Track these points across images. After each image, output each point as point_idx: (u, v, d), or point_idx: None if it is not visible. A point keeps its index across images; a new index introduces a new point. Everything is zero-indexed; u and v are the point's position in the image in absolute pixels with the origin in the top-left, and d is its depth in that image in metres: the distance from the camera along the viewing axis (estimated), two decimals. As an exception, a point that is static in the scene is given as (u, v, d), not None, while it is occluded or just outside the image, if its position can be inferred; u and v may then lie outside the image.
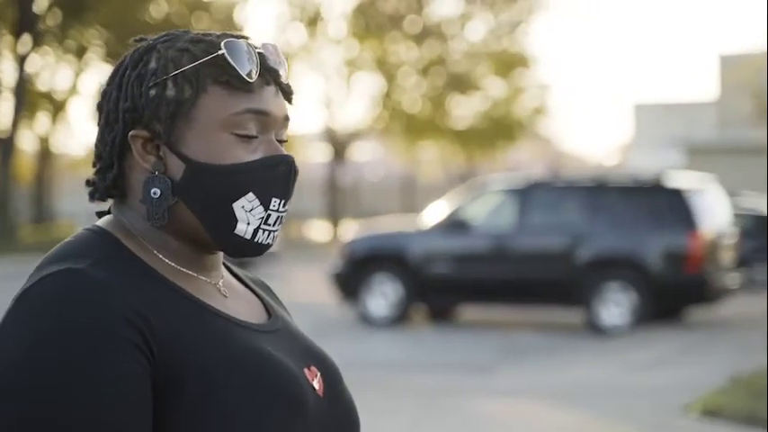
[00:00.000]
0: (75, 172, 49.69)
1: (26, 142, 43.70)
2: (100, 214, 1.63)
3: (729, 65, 47.84)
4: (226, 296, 1.61)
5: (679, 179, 15.77)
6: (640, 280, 14.90)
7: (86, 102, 61.87)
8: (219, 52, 1.55)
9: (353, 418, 1.66)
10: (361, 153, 58.02)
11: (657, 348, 13.50)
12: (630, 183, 15.58)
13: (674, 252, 14.86)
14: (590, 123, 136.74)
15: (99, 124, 1.61)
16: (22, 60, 34.63)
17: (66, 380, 1.41)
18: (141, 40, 1.62)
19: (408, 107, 43.28)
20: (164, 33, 1.61)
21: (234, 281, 1.69)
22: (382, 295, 15.59)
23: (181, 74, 1.55)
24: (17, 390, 1.42)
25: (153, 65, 1.56)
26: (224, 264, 1.69)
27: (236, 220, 1.55)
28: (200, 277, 1.60)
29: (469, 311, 16.58)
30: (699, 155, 42.49)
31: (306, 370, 1.60)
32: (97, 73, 41.56)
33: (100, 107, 1.61)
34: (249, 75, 1.55)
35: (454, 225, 15.76)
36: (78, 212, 44.14)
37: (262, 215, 1.56)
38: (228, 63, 1.54)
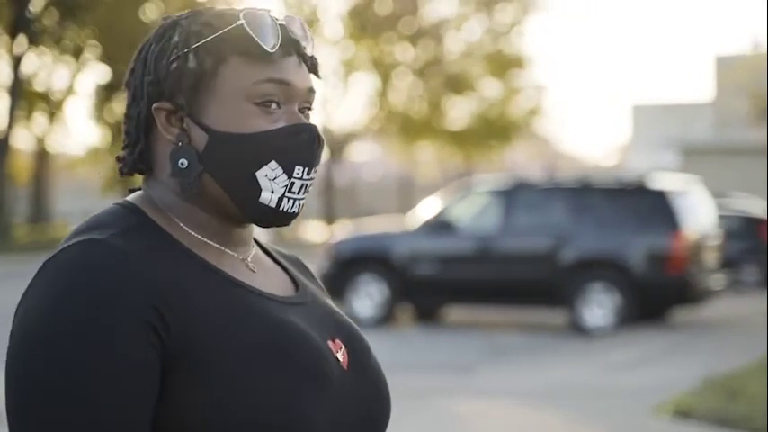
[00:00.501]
0: (73, 172, 49.79)
1: (23, 142, 43.76)
2: (132, 191, 1.66)
3: (725, 66, 47.88)
4: (254, 271, 1.63)
5: (663, 181, 15.84)
6: (624, 281, 14.97)
7: (83, 102, 61.94)
8: (239, 23, 1.57)
9: (381, 391, 1.67)
10: (358, 153, 58.10)
11: (639, 349, 13.57)
12: (614, 184, 15.65)
13: (657, 253, 14.93)
14: (589, 124, 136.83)
15: (127, 101, 1.64)
16: (17, 60, 34.70)
17: (73, 345, 1.44)
18: (167, 17, 1.65)
19: (404, 108, 43.34)
20: (189, 10, 1.64)
21: (264, 256, 1.71)
22: (368, 296, 15.67)
23: (202, 46, 1.57)
24: (31, 350, 1.46)
25: (176, 38, 1.59)
26: (256, 240, 1.70)
27: (261, 189, 1.56)
28: (228, 251, 1.61)
29: (455, 312, 16.66)
30: (695, 156, 42.53)
31: (330, 342, 1.61)
32: (93, 73, 41.68)
33: (127, 84, 1.64)
34: (269, 45, 1.56)
35: (439, 226, 15.84)
36: (75, 212, 44.23)
37: (286, 183, 1.57)
38: (248, 34, 1.56)
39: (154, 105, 1.59)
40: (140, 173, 1.64)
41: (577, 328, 15.08)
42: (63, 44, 38.77)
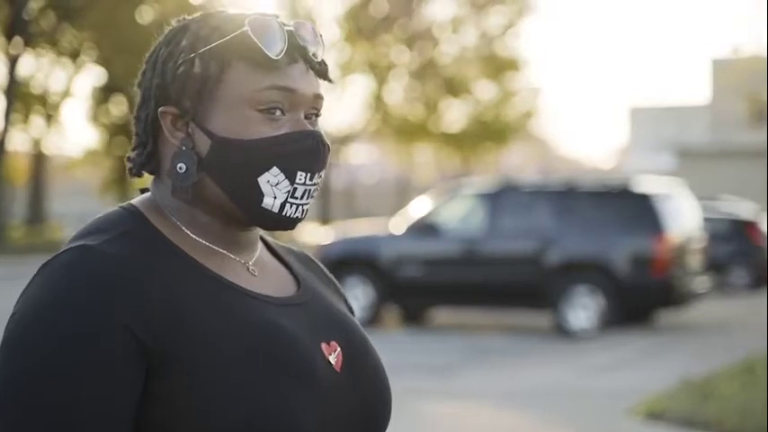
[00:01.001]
0: (70, 174, 49.87)
1: (20, 144, 43.85)
2: (142, 191, 1.67)
3: (721, 68, 47.93)
4: (254, 275, 1.63)
5: (647, 184, 15.93)
6: (608, 284, 15.06)
7: (80, 104, 62.00)
8: (243, 29, 1.57)
9: (378, 392, 1.65)
10: (356, 156, 58.16)
11: (620, 351, 13.65)
12: (599, 187, 15.74)
13: (641, 256, 15.01)
14: (588, 127, 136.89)
15: (137, 102, 1.65)
16: (13, 62, 34.79)
17: (50, 352, 1.45)
18: (181, 20, 1.65)
19: (400, 110, 43.42)
20: (200, 13, 1.65)
21: (268, 257, 1.70)
22: (354, 298, 15.73)
23: (207, 51, 1.58)
24: (10, 353, 1.48)
25: (184, 43, 1.60)
26: (263, 238, 1.71)
27: (263, 194, 1.57)
28: (229, 254, 1.61)
29: (442, 314, 16.73)
30: (690, 158, 42.59)
31: (324, 344, 1.60)
32: (90, 75, 41.77)
33: (139, 85, 1.65)
34: (274, 51, 1.55)
35: (425, 228, 15.92)
36: (72, 214, 44.30)
37: (288, 189, 1.57)
38: (253, 40, 1.56)
39: (160, 109, 1.60)
40: (149, 173, 1.65)
41: (562, 331, 15.17)
42: (60, 46, 38.86)
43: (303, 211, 1.60)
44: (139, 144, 1.64)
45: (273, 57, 1.55)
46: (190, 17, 1.65)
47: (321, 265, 1.80)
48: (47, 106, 41.35)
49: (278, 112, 1.57)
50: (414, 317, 16.30)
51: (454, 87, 42.46)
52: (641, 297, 15.18)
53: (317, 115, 1.62)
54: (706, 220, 22.02)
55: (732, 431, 8.50)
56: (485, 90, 45.05)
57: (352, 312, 1.78)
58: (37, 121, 42.01)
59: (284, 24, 1.59)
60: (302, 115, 1.59)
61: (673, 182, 17.75)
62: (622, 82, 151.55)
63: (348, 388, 1.60)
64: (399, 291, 15.75)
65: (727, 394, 9.60)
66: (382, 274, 15.76)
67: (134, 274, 1.50)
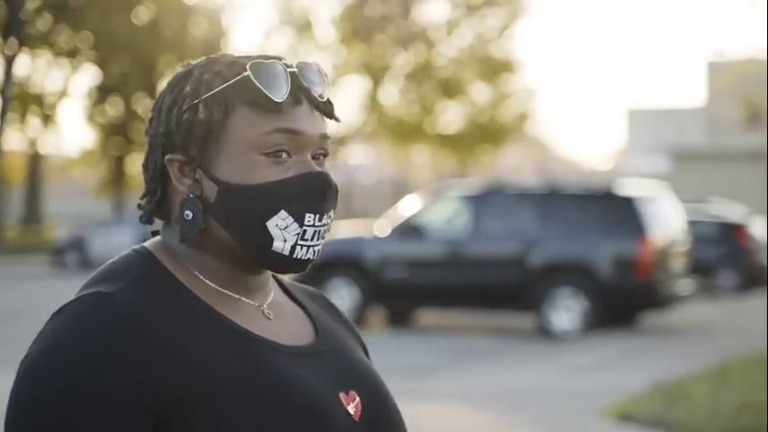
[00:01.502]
0: (66, 174, 49.94)
1: (17, 144, 43.93)
2: (154, 233, 1.66)
3: (717, 71, 48.00)
4: (269, 318, 1.61)
5: (631, 187, 16.02)
6: (591, 286, 15.15)
7: (77, 104, 61.97)
8: (245, 74, 1.56)
9: None
10: (353, 157, 58.24)
11: (601, 353, 13.74)
12: (582, 190, 15.84)
13: (623, 258, 15.11)
14: (587, 128, 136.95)
15: (146, 150, 1.64)
16: (9, 62, 34.89)
17: (61, 403, 1.45)
18: (186, 64, 1.64)
19: (396, 111, 43.50)
20: (204, 57, 1.64)
21: (284, 300, 1.69)
22: (340, 299, 15.82)
23: (211, 96, 1.56)
24: (22, 402, 1.48)
25: (187, 89, 1.59)
26: (278, 279, 1.70)
27: (272, 239, 1.55)
28: (243, 299, 1.60)
29: (427, 316, 16.82)
30: (686, 160, 42.66)
31: (342, 394, 1.59)
32: (87, 76, 41.86)
33: (146, 133, 1.64)
34: (278, 95, 1.55)
35: (410, 231, 16.02)
36: (68, 214, 44.39)
37: (297, 231, 1.56)
38: (255, 84, 1.55)
39: (167, 157, 1.59)
40: (160, 219, 1.64)
41: (545, 332, 15.27)
42: (56, 47, 38.96)
43: (314, 252, 1.58)
44: (149, 191, 1.63)
45: (277, 100, 1.55)
46: (194, 62, 1.64)
47: (336, 306, 1.80)
48: (43, 106, 41.45)
49: (284, 155, 1.56)
50: (399, 318, 16.39)
51: (450, 89, 42.54)
52: (624, 299, 15.28)
53: (325, 155, 1.61)
54: (694, 222, 22.14)
55: (699, 433, 8.59)
56: (480, 92, 45.12)
57: (367, 353, 1.78)
58: (33, 121, 42.10)
59: (287, 66, 1.58)
60: (309, 156, 1.58)
61: (657, 184, 17.84)
62: (621, 84, 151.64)
63: None
64: (384, 292, 15.85)
65: (697, 397, 9.69)
66: (367, 276, 15.85)
67: (147, 322, 1.49)
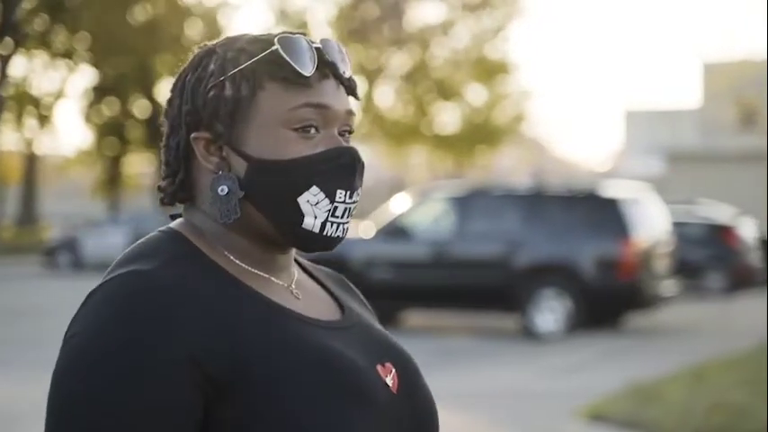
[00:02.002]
0: (63, 174, 50.03)
1: (13, 144, 44.02)
2: (173, 218, 1.65)
3: (712, 72, 48.06)
4: (298, 298, 1.61)
5: (615, 188, 16.10)
6: (575, 287, 15.23)
7: (74, 104, 61.98)
8: (274, 48, 1.55)
9: (431, 414, 1.64)
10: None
11: (584, 353, 13.81)
12: (566, 192, 15.92)
13: (607, 259, 15.18)
14: (585, 130, 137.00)
15: (165, 131, 1.62)
16: (4, 63, 34.96)
17: (113, 379, 1.43)
18: (203, 45, 1.63)
19: (391, 112, 43.56)
20: (223, 37, 1.62)
21: (306, 279, 1.69)
22: (325, 300, 15.91)
23: (238, 73, 1.55)
24: (71, 382, 1.46)
25: (212, 67, 1.57)
26: (297, 260, 1.69)
27: (303, 215, 1.55)
28: (272, 278, 1.60)
29: (414, 317, 16.89)
30: (680, 162, 42.71)
31: (379, 366, 1.59)
32: (83, 76, 41.93)
33: (166, 114, 1.62)
34: (306, 69, 1.54)
35: (396, 232, 16.09)
36: (64, 214, 44.46)
37: (328, 208, 1.55)
38: (283, 58, 1.54)
39: (192, 135, 1.57)
40: (181, 202, 1.63)
41: (529, 333, 15.34)
42: (52, 47, 39.03)
43: (344, 229, 1.58)
44: (170, 173, 1.61)
45: (306, 74, 1.54)
46: (213, 42, 1.63)
47: (353, 286, 1.81)
48: (39, 107, 41.54)
49: (312, 130, 1.55)
50: (385, 319, 16.44)
51: (445, 90, 42.61)
52: (608, 300, 15.35)
53: (350, 132, 1.60)
54: (683, 224, 22.24)
55: (669, 433, 8.66)
56: (476, 93, 45.19)
57: None
58: (30, 121, 42.19)
59: (312, 42, 1.58)
60: (336, 132, 1.58)
61: (642, 186, 17.92)
62: (619, 85, 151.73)
63: (406, 410, 1.59)
64: (370, 293, 15.85)
65: (671, 397, 9.76)
66: (353, 277, 15.86)
67: (192, 298, 1.48)
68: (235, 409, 1.46)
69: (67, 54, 39.67)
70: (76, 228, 30.82)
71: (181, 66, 1.64)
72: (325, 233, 1.56)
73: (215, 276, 1.53)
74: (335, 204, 1.56)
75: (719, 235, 22.80)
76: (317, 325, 1.57)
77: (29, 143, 42.93)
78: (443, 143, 45.23)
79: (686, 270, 20.98)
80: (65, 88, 41.76)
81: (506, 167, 61.91)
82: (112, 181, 43.83)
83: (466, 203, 16.02)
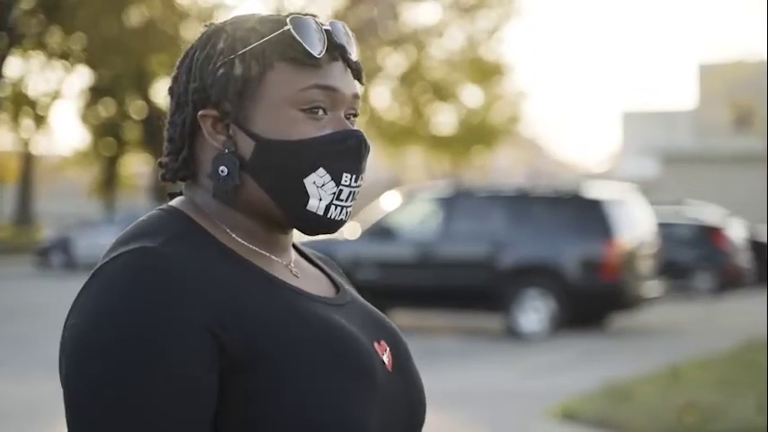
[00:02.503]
0: (59, 174, 50.11)
1: (9, 144, 44.09)
2: (171, 195, 1.65)
3: (708, 74, 48.10)
4: (297, 276, 1.62)
5: (599, 190, 16.16)
6: (558, 287, 15.30)
7: (70, 105, 62.00)
8: (285, 28, 1.55)
9: (420, 394, 1.66)
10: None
11: (565, 354, 13.87)
12: (551, 193, 15.99)
13: (590, 260, 15.26)
14: (584, 130, 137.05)
15: (170, 108, 1.62)
16: (0, 63, 35.02)
17: (132, 358, 1.42)
18: (210, 24, 1.63)
19: (388, 113, 43.62)
20: (233, 16, 1.62)
21: (302, 260, 1.70)
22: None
23: (248, 52, 1.55)
24: (87, 365, 1.44)
25: (221, 45, 1.57)
26: (293, 244, 1.69)
27: (308, 196, 1.55)
28: (272, 257, 1.60)
29: (400, 317, 16.94)
30: (675, 163, 42.78)
31: (376, 343, 1.60)
32: (79, 76, 41.97)
33: (171, 91, 1.62)
34: (316, 50, 1.54)
35: (381, 232, 16.16)
36: (60, 214, 44.54)
37: (334, 190, 1.56)
38: (295, 39, 1.54)
39: (200, 112, 1.57)
40: (182, 179, 1.63)
41: (513, 333, 15.41)
42: (48, 47, 39.08)
43: (347, 213, 1.59)
44: (174, 149, 1.61)
45: (316, 55, 1.54)
46: (222, 21, 1.62)
47: (339, 267, 1.81)
48: (36, 107, 41.60)
49: (320, 112, 1.55)
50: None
51: (441, 91, 42.67)
52: (591, 301, 15.43)
53: (355, 115, 1.60)
54: (672, 225, 22.32)
55: (638, 431, 8.73)
56: (471, 94, 45.26)
57: None
58: (26, 121, 42.25)
59: (321, 24, 1.58)
60: (343, 115, 1.58)
61: (626, 187, 17.99)
62: (617, 86, 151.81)
63: (400, 388, 1.61)
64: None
65: (643, 397, 9.83)
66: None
67: (200, 273, 1.48)
68: (244, 381, 1.46)
69: (64, 55, 39.71)
70: (69, 228, 30.89)
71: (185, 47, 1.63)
72: (329, 216, 1.57)
73: (218, 253, 1.54)
74: (341, 187, 1.56)
75: (708, 236, 22.89)
76: (318, 300, 1.59)
77: (25, 143, 42.99)
78: (440, 144, 45.30)
79: (675, 271, 21.07)
80: (61, 89, 41.82)
81: (503, 168, 61.98)
82: (109, 181, 43.91)
83: (451, 204, 16.09)
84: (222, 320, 1.46)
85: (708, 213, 25.04)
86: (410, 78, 42.46)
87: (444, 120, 45.64)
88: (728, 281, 22.53)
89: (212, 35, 1.60)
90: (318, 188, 1.55)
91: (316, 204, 1.55)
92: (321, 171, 1.54)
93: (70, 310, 1.51)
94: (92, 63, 39.70)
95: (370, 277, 15.85)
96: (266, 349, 1.47)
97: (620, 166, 67.24)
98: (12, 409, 9.69)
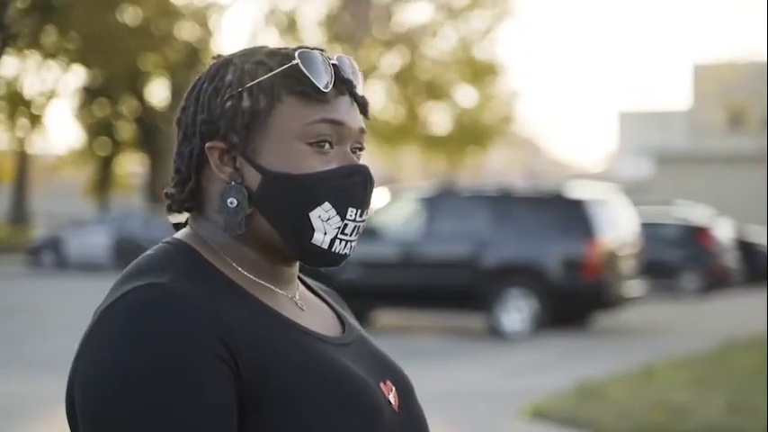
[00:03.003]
0: (55, 174, 50.16)
1: (5, 143, 44.13)
2: (177, 227, 1.65)
3: (702, 74, 48.15)
4: (302, 309, 1.62)
5: (581, 190, 16.23)
6: (540, 287, 15.37)
7: (66, 104, 62.00)
8: (293, 62, 1.56)
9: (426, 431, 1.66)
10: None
11: (545, 353, 13.94)
12: (534, 193, 16.07)
13: (572, 260, 15.33)
14: (581, 131, 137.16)
15: (177, 139, 1.62)
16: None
17: (152, 395, 1.42)
18: (218, 56, 1.64)
19: (382, 114, 43.67)
20: (241, 49, 1.63)
21: (308, 293, 1.71)
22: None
23: (256, 85, 1.56)
24: (117, 402, 1.43)
25: (229, 77, 1.58)
26: (298, 276, 1.69)
27: (313, 230, 1.55)
28: (278, 290, 1.60)
29: (383, 316, 17.01)
30: (669, 164, 42.82)
31: (382, 384, 1.60)
32: (75, 76, 42.02)
33: (179, 122, 1.62)
34: (323, 85, 1.55)
35: (365, 232, 16.20)
36: (58, 214, 44.59)
37: (338, 225, 1.56)
38: (303, 73, 1.55)
39: (207, 144, 1.57)
40: (188, 210, 1.62)
41: (495, 333, 15.48)
42: (43, 47, 39.12)
43: (351, 247, 1.59)
44: (181, 180, 1.61)
45: (323, 89, 1.55)
46: (230, 54, 1.64)
47: (343, 300, 1.83)
48: (31, 106, 41.64)
49: (327, 146, 1.56)
50: (357, 319, 16.57)
51: (434, 91, 42.72)
52: (573, 300, 15.50)
53: (361, 149, 1.61)
54: (659, 225, 22.40)
55: (606, 431, 8.78)
56: (465, 94, 45.30)
57: None
58: (21, 121, 42.29)
59: (329, 58, 1.59)
60: (349, 149, 1.59)
61: (609, 187, 18.07)
62: (615, 86, 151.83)
63: (404, 428, 1.60)
64: (339, 293, 16.00)
65: (615, 396, 9.90)
66: (323, 278, 15.99)
67: (209, 307, 1.48)
68: (257, 415, 1.46)
69: (58, 54, 39.76)
70: (61, 227, 30.94)
71: (196, 75, 1.64)
72: (333, 249, 1.57)
73: (227, 290, 1.54)
74: (346, 222, 1.56)
75: (695, 236, 22.96)
76: (325, 341, 1.59)
77: (21, 142, 43.03)
78: (434, 144, 45.33)
79: (661, 270, 21.15)
80: (57, 88, 41.87)
81: (499, 168, 62.05)
82: (104, 181, 43.98)
83: (435, 204, 16.17)
84: (236, 353, 1.46)
85: (695, 213, 25.10)
86: (404, 78, 42.49)
87: (439, 120, 45.69)
88: (715, 281, 22.61)
89: (221, 67, 1.61)
90: (323, 222, 1.55)
91: (321, 238, 1.56)
92: (327, 205, 1.55)
93: (81, 345, 1.50)
94: (86, 62, 39.76)
95: (353, 277, 15.91)
96: (278, 384, 1.48)
97: (616, 167, 67.32)
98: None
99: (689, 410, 9.23)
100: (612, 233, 15.66)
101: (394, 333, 15.85)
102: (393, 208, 16.73)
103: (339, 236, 1.56)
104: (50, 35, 39.03)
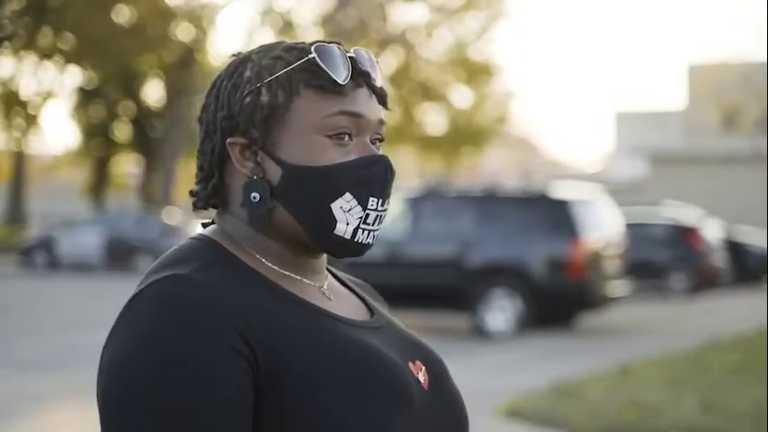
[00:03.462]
0: (52, 174, 50.24)
1: (1, 143, 44.19)
2: (204, 225, 1.68)
3: (698, 74, 48.20)
4: (330, 299, 1.65)
5: (566, 190, 16.30)
6: (524, 287, 15.45)
7: (62, 104, 62.03)
8: (310, 56, 1.59)
9: (460, 411, 1.68)
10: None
11: (526, 353, 14.01)
12: (518, 193, 16.14)
13: (556, 260, 15.40)
14: (578, 131, 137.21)
15: (200, 136, 1.66)
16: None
17: (165, 387, 1.44)
18: (238, 54, 1.67)
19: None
20: (258, 45, 1.66)
21: (337, 284, 1.73)
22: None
23: (274, 80, 1.59)
24: (129, 390, 1.46)
25: (248, 74, 1.61)
26: (327, 268, 1.72)
27: (335, 221, 1.57)
28: (305, 280, 1.63)
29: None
30: (664, 164, 42.88)
31: (411, 364, 1.62)
32: (71, 76, 42.10)
33: (200, 120, 1.66)
34: (341, 77, 1.58)
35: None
36: (54, 214, 44.66)
37: (360, 215, 1.58)
38: (320, 66, 1.58)
39: (228, 140, 1.60)
40: (214, 207, 1.66)
41: (480, 332, 15.55)
42: (39, 48, 39.17)
43: (374, 237, 1.61)
44: (204, 177, 1.65)
45: (341, 82, 1.57)
46: (248, 51, 1.67)
47: (376, 292, 1.85)
48: (27, 107, 41.71)
49: (346, 138, 1.58)
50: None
51: (429, 92, 42.78)
52: (557, 300, 15.57)
53: (381, 140, 1.64)
54: (648, 225, 22.46)
55: (579, 429, 8.86)
56: (460, 95, 45.36)
57: None
58: (17, 121, 42.35)
59: (346, 51, 1.62)
60: (368, 140, 1.61)
61: (593, 188, 18.14)
62: (611, 87, 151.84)
63: (437, 408, 1.63)
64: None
65: (589, 395, 9.97)
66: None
67: (232, 298, 1.50)
68: (275, 403, 1.48)
69: (54, 55, 39.82)
70: (53, 227, 30.99)
71: (213, 76, 1.69)
72: (356, 239, 1.59)
73: (251, 280, 1.57)
74: (367, 212, 1.59)
75: (684, 236, 23.01)
76: (352, 324, 1.61)
77: (17, 142, 43.10)
78: (430, 144, 45.40)
79: (650, 270, 21.22)
80: (53, 89, 41.93)
81: (495, 168, 62.11)
82: (100, 181, 44.06)
83: (420, 204, 16.24)
84: (254, 343, 1.49)
85: (684, 214, 25.16)
86: (399, 79, 42.56)
87: (434, 120, 45.76)
88: (704, 281, 22.67)
89: (239, 64, 1.64)
90: (345, 213, 1.58)
91: (343, 228, 1.58)
92: (348, 196, 1.58)
93: (108, 341, 1.53)
94: (82, 63, 39.83)
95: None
96: (295, 375, 1.49)
97: (613, 167, 67.37)
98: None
99: (661, 409, 9.30)
100: (597, 233, 15.74)
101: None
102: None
103: (361, 225, 1.59)
104: (46, 36, 39.08)
